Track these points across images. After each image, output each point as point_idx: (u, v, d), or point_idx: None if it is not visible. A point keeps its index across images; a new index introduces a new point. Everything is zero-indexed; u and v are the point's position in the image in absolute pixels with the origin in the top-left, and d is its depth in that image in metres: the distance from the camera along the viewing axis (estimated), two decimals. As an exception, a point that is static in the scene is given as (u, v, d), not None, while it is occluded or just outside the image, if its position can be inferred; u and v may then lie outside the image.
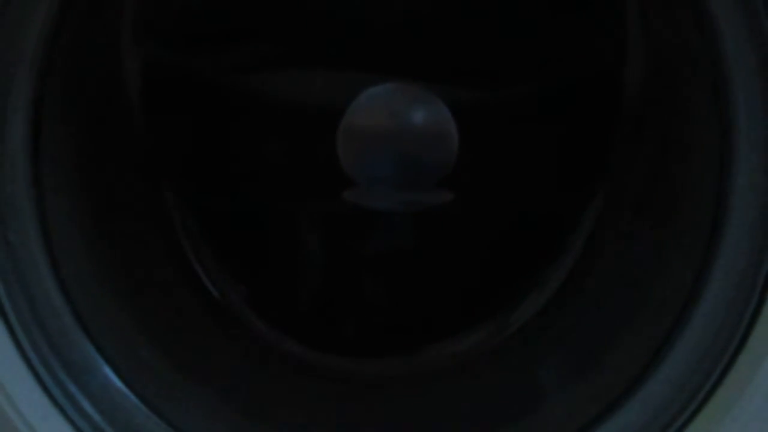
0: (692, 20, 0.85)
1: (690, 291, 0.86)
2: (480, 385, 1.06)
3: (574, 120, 1.09)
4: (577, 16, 1.07)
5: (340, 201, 1.08)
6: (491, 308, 1.10)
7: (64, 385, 0.86)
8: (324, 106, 1.08)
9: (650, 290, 0.93)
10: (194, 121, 1.10)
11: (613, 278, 1.03)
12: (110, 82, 1.05)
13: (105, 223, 0.98)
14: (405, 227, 1.13)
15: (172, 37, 1.09)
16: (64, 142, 0.91)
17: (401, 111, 1.07)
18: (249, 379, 1.04)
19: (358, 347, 1.11)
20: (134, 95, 1.07)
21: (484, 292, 1.12)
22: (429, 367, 1.09)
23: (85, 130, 0.97)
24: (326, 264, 1.14)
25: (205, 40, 1.10)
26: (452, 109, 1.07)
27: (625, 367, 0.89)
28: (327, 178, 1.08)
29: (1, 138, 0.85)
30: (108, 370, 0.89)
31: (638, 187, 1.04)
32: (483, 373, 1.07)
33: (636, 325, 0.93)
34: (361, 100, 1.07)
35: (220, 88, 1.10)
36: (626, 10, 1.05)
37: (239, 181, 1.11)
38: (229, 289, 1.11)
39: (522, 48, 1.09)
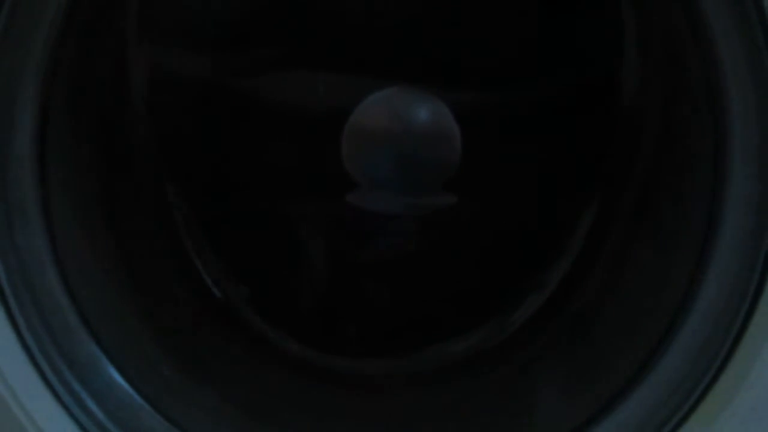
0: (687, 29, 0.85)
1: (685, 293, 0.86)
2: (479, 385, 1.06)
3: (573, 124, 1.10)
4: (576, 22, 1.08)
5: (343, 203, 1.08)
6: (491, 310, 1.11)
7: (69, 384, 0.87)
8: (328, 109, 1.09)
9: (646, 292, 0.94)
10: (199, 123, 1.11)
11: (609, 280, 1.04)
12: (116, 85, 1.06)
13: (110, 224, 0.99)
14: (407, 229, 1.14)
15: (177, 40, 1.09)
16: (70, 145, 0.92)
17: (405, 114, 1.07)
18: (251, 380, 1.05)
19: (358, 348, 1.11)
20: (139, 98, 1.08)
21: (484, 294, 1.12)
22: (429, 367, 1.10)
23: (90, 132, 0.98)
24: (329, 265, 1.15)
25: (210, 43, 1.11)
26: (455, 112, 1.07)
27: (621, 367, 0.90)
28: (331, 181, 1.09)
29: (8, 141, 0.86)
30: (112, 370, 0.90)
31: (635, 191, 1.05)
32: (482, 373, 1.08)
33: (632, 326, 0.94)
34: (365, 103, 1.08)
35: (224, 91, 1.10)
36: (623, 17, 1.06)
37: (243, 183, 1.12)
38: (231, 290, 1.12)
39: (523, 53, 1.09)
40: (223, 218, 1.12)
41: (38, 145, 0.87)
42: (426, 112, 1.07)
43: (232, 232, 1.13)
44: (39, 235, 0.87)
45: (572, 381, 0.96)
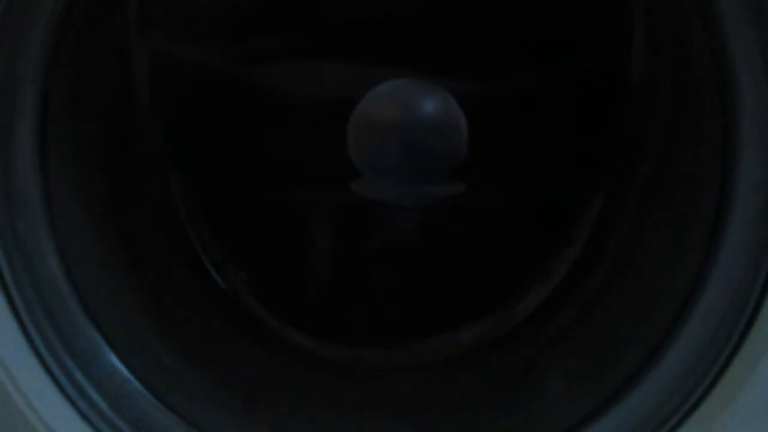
0: (697, 14, 0.85)
1: (691, 286, 0.86)
2: (482, 375, 1.06)
3: (580, 112, 1.10)
4: (583, 9, 1.08)
5: (348, 192, 1.08)
6: (495, 300, 1.11)
7: (71, 372, 0.87)
8: (334, 98, 1.09)
9: (652, 284, 0.94)
10: (202, 112, 1.11)
11: (615, 271, 1.04)
12: (118, 73, 1.06)
13: (111, 212, 0.99)
14: (412, 218, 1.14)
15: (180, 29, 1.09)
16: (72, 134, 0.92)
17: (411, 104, 1.07)
18: (252, 367, 1.05)
19: (361, 337, 1.11)
20: (142, 87, 1.08)
21: (489, 284, 1.12)
22: (432, 357, 1.10)
23: (92, 121, 0.98)
24: (332, 254, 1.15)
25: (214, 33, 1.11)
26: (461, 101, 1.07)
27: (625, 362, 0.89)
28: (336, 170, 1.08)
29: (10, 131, 0.86)
30: (114, 358, 0.90)
31: (642, 180, 1.04)
32: (485, 364, 1.08)
33: (637, 319, 0.93)
34: (372, 93, 1.07)
35: (229, 80, 1.10)
36: (631, 3, 1.05)
37: (246, 171, 1.12)
38: (232, 277, 1.12)
39: (529, 42, 1.09)
40: (226, 206, 1.13)
41: (39, 133, 0.87)
42: (432, 102, 1.07)
43: (234, 219, 1.13)
44: (40, 223, 0.88)
45: (576, 373, 0.96)
